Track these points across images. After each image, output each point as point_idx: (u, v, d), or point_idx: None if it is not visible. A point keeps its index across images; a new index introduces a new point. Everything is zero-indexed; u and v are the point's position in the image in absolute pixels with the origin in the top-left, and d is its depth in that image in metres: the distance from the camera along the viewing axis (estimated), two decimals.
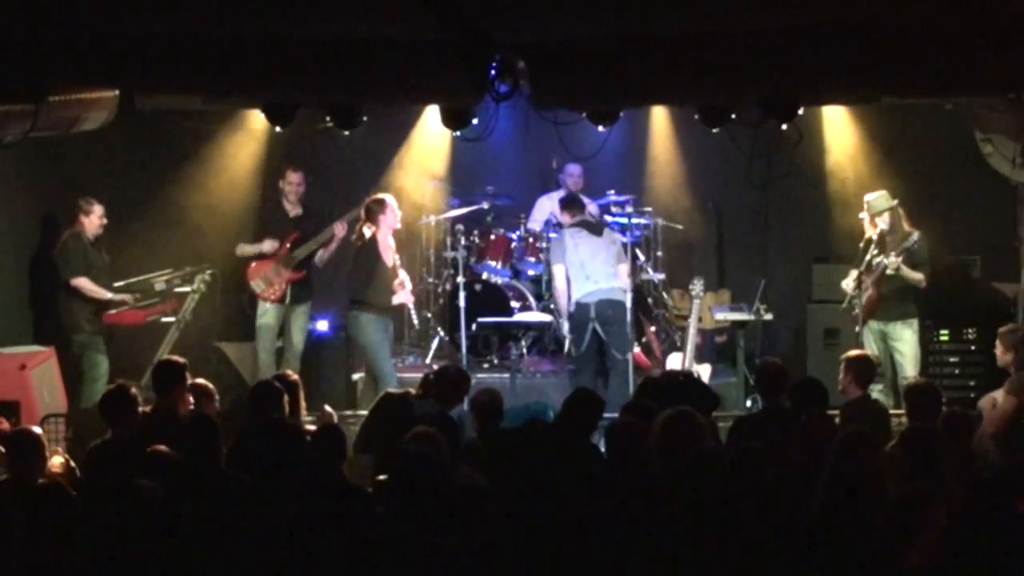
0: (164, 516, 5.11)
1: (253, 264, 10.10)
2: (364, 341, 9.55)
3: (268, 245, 10.01)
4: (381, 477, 5.87)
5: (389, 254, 9.55)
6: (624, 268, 9.67)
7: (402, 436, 5.95)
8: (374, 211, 9.54)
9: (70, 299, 9.63)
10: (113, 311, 9.78)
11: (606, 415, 6.80)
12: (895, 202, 9.42)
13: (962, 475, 5.35)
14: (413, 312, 9.97)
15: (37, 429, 6.36)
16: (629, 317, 9.56)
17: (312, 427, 7.04)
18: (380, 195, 9.79)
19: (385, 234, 9.56)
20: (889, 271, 9.21)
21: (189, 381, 7.09)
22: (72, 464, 6.46)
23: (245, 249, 10.11)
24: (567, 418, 6.51)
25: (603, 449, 6.35)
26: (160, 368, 7.18)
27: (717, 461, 5.26)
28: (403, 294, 9.61)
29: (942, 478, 5.20)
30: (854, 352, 7.66)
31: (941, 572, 4.57)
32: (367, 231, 9.53)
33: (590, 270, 9.61)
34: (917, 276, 9.34)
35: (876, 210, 9.39)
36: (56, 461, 6.26)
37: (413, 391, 7.56)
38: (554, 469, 5.43)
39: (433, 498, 5.04)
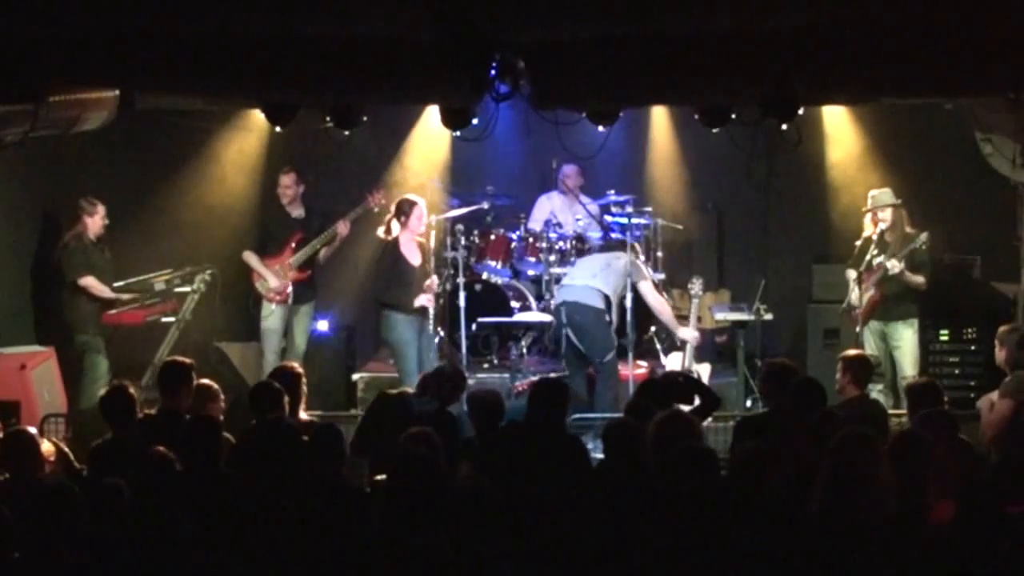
0: (138, 513, 5.13)
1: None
2: (392, 340, 9.64)
3: (272, 280, 10.00)
4: (379, 477, 5.87)
5: (415, 255, 9.56)
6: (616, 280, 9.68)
7: (400, 436, 5.96)
8: (405, 210, 9.57)
9: (75, 299, 9.64)
10: (113, 311, 9.78)
11: (595, 415, 6.86)
12: (899, 201, 9.43)
13: (956, 473, 5.34)
14: (431, 315, 9.89)
15: (32, 429, 6.35)
16: (629, 317, 9.55)
17: (308, 417, 7.06)
18: (412, 196, 9.86)
19: (409, 236, 9.58)
20: (891, 272, 9.22)
21: (195, 382, 7.09)
22: (65, 449, 6.46)
23: (251, 260, 10.10)
24: (533, 410, 6.60)
25: (600, 449, 6.40)
26: (166, 369, 7.17)
27: (706, 460, 5.27)
28: (423, 297, 9.61)
29: (926, 481, 5.21)
30: (852, 352, 7.66)
31: (936, 572, 4.58)
32: (395, 228, 9.59)
33: (571, 271, 9.73)
34: (918, 280, 9.35)
35: (880, 203, 9.40)
36: (47, 448, 6.25)
37: (410, 390, 7.57)
38: (533, 465, 5.46)
39: (431, 498, 5.04)
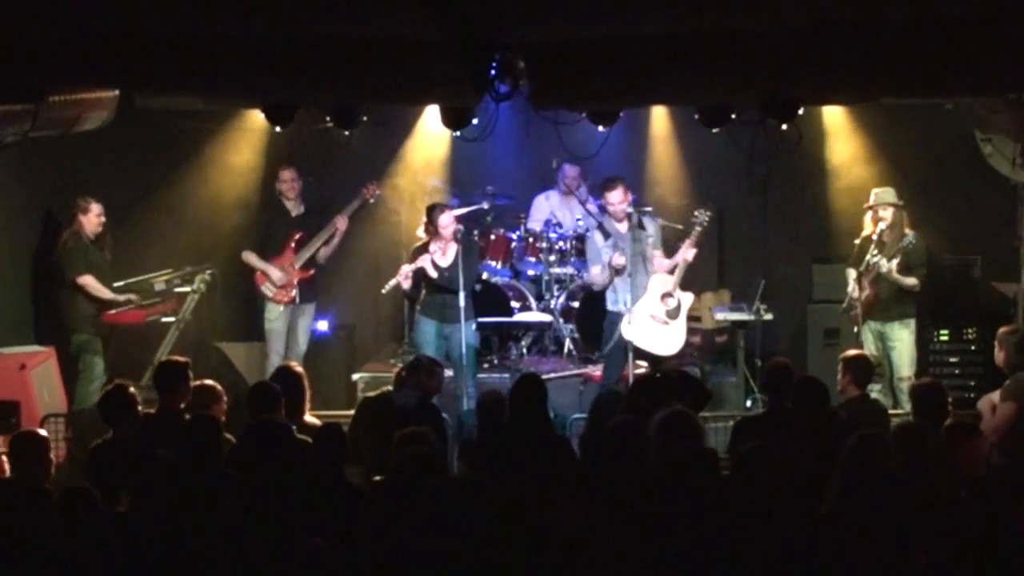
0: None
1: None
2: (416, 343, 9.67)
3: (276, 275, 10.00)
4: (378, 478, 5.88)
5: (443, 259, 9.53)
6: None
7: (391, 434, 5.98)
8: (432, 218, 9.57)
9: (73, 298, 9.63)
10: (113, 311, 9.78)
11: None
12: (900, 202, 9.41)
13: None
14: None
15: (43, 431, 6.38)
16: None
17: (315, 420, 7.06)
18: (438, 202, 9.92)
19: (439, 241, 9.54)
20: (882, 271, 9.22)
21: (194, 382, 7.07)
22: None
23: (252, 259, 10.08)
24: (513, 409, 6.77)
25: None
26: (162, 368, 7.16)
27: (708, 460, 5.27)
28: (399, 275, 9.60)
29: (930, 476, 5.21)
30: (852, 352, 7.67)
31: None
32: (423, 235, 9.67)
33: None
34: (910, 282, 9.33)
35: (882, 200, 9.36)
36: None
37: (390, 388, 7.56)
38: (520, 463, 5.51)
39: (432, 497, 5.05)
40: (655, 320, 9.33)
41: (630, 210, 9.51)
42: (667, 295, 9.37)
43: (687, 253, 9.35)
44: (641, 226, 9.43)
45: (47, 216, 10.18)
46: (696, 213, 9.42)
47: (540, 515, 4.80)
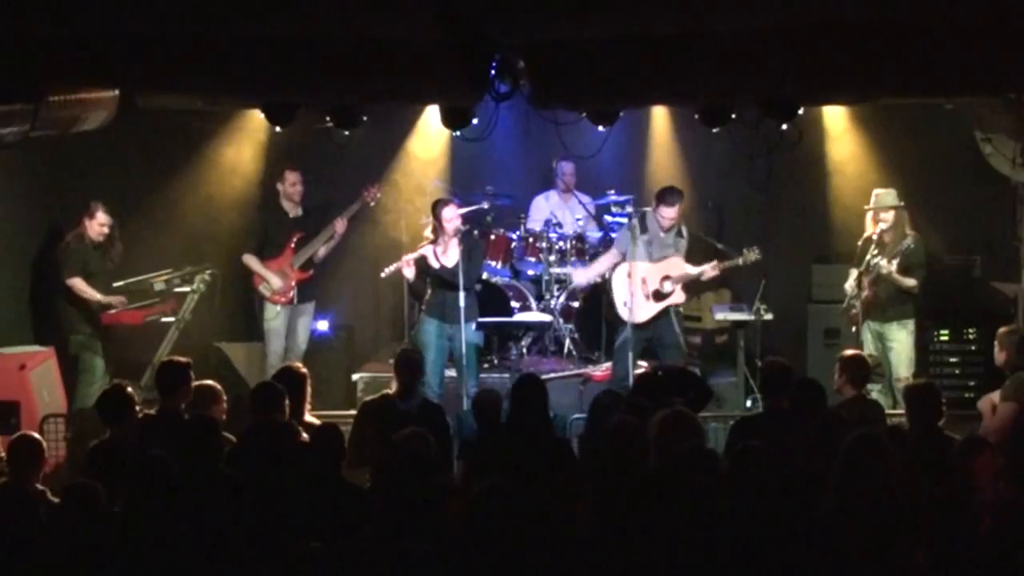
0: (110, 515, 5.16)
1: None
2: (419, 343, 9.60)
3: (276, 282, 9.98)
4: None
5: (448, 257, 9.48)
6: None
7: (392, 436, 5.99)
8: (436, 212, 9.50)
9: (68, 299, 9.63)
10: (112, 311, 9.78)
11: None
12: (902, 203, 9.41)
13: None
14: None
15: (36, 435, 6.37)
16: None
17: (316, 421, 7.06)
18: (443, 197, 9.86)
19: (443, 238, 9.49)
20: (882, 272, 9.22)
21: (194, 382, 7.07)
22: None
23: (251, 263, 10.07)
24: (513, 411, 6.76)
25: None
26: (164, 369, 7.16)
27: (709, 459, 5.28)
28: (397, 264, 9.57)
29: (919, 477, 5.22)
30: (849, 352, 7.67)
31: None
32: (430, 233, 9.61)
33: None
34: (909, 283, 9.32)
35: (882, 204, 9.37)
36: None
37: (390, 392, 7.54)
38: (520, 466, 5.52)
39: (430, 496, 5.05)
40: (641, 287, 9.47)
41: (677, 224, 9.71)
42: (668, 278, 9.51)
43: (709, 270, 9.65)
44: (680, 234, 9.74)
45: (47, 216, 10.18)
46: (747, 249, 9.65)
47: (541, 516, 4.79)
